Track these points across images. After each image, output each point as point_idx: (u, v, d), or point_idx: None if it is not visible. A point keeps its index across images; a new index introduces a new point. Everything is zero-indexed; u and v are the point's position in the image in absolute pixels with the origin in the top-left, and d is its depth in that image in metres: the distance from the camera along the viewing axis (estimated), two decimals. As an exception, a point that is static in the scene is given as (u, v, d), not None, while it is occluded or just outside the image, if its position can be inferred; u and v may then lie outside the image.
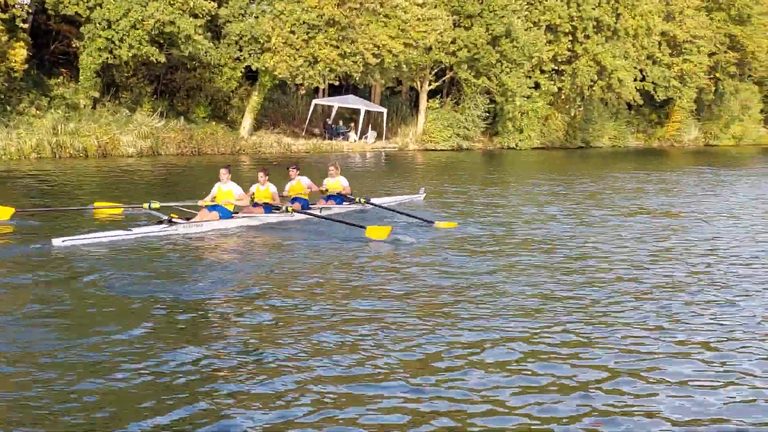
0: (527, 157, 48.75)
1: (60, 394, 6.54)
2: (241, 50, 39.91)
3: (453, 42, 48.51)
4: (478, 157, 47.10)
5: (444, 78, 53.34)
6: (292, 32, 39.35)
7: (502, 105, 53.25)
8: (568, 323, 9.09)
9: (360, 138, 48.22)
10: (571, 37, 57.11)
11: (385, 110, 49.60)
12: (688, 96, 68.74)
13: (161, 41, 34.98)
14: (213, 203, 15.21)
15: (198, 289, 10.31)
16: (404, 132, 51.82)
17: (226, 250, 13.60)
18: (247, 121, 42.23)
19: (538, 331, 8.74)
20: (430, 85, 52.53)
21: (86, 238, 12.83)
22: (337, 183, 18.13)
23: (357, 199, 18.11)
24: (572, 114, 61.18)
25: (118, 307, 9.27)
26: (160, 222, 14.23)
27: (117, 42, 33.60)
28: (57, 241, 12.40)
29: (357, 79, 43.09)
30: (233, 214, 15.41)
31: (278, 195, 16.48)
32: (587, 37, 57.64)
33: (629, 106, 68.88)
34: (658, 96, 66.94)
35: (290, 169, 17.69)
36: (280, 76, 40.17)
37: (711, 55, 70.50)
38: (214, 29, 39.51)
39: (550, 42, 55.77)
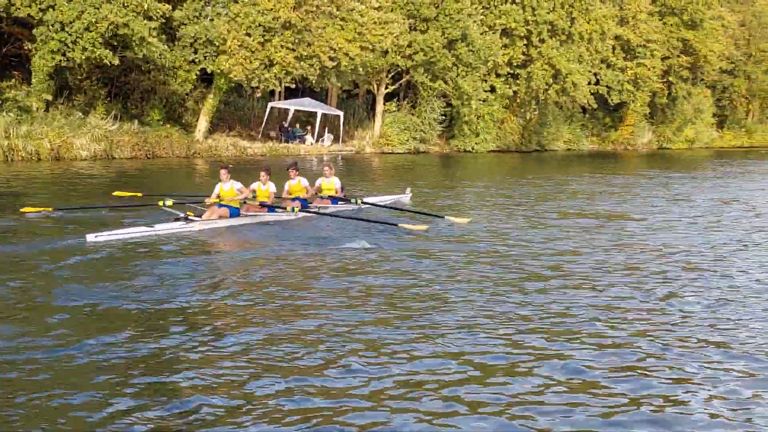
0: (483, 160, 49.00)
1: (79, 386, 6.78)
2: (196, 53, 39.70)
3: (409, 45, 48.70)
4: (434, 160, 47.23)
5: (400, 81, 53.48)
6: (248, 35, 39.24)
7: (459, 108, 53.50)
8: (519, 328, 9.14)
9: (316, 141, 48.17)
10: (526, 41, 57.59)
11: (341, 113, 49.61)
12: (642, 100, 69.71)
13: (115, 43, 34.72)
14: (219, 201, 16.24)
15: (217, 281, 11.24)
16: (361, 135, 51.88)
17: (240, 245, 14.67)
18: (202, 124, 41.99)
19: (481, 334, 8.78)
20: (386, 88, 52.64)
21: (115, 234, 13.95)
22: (331, 184, 18.83)
23: (353, 200, 18.82)
24: (527, 117, 61.65)
25: (148, 297, 9.93)
26: (177, 219, 15.47)
27: (70, 44, 33.28)
28: (90, 237, 13.50)
29: (313, 82, 43.05)
30: (240, 210, 16.54)
31: (278, 195, 17.56)
32: (542, 41, 58.14)
33: (584, 110, 69.59)
34: (612, 100, 67.72)
35: (290, 170, 18.29)
36: (235, 78, 40.04)
37: (664, 59, 71.54)
38: (169, 31, 39.25)
39: (505, 46, 56.18)
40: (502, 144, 59.41)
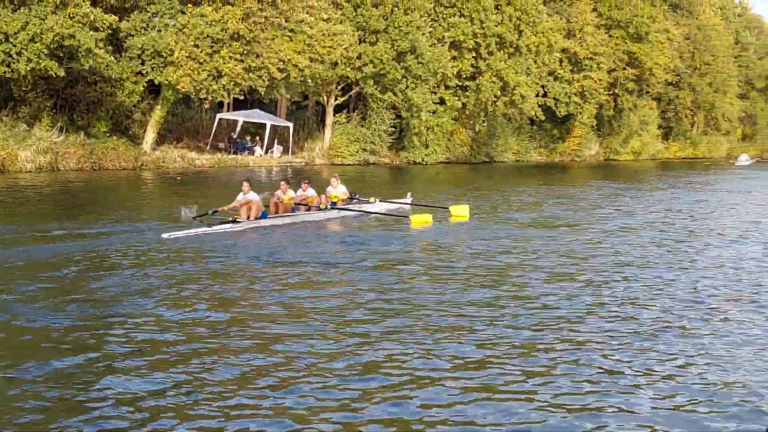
0: (433, 172, 49.19)
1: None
2: (143, 64, 39.41)
3: (359, 57, 48.81)
4: (384, 172, 47.30)
5: (350, 93, 53.53)
6: (196, 46, 39.05)
7: (408, 120, 53.65)
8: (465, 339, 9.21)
9: (266, 152, 48.01)
10: (474, 54, 57.93)
11: (291, 125, 49.50)
12: (589, 112, 70.41)
13: (61, 55, 34.30)
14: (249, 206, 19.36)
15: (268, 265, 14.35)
16: (311, 146, 51.81)
17: (275, 237, 18.06)
18: (150, 136, 41.65)
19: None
20: (336, 99, 52.65)
21: (184, 233, 16.91)
22: (339, 193, 22.32)
23: (371, 200, 23.17)
24: (476, 129, 61.94)
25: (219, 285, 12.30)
26: (224, 222, 18.55)
27: (14, 55, 32.79)
28: (165, 235, 16.50)
29: (262, 93, 42.94)
30: (267, 213, 19.99)
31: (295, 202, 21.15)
32: (490, 53, 58.53)
33: (532, 122, 70.15)
34: (559, 112, 68.26)
35: (303, 183, 21.70)
36: (183, 90, 39.80)
37: (610, 71, 72.37)
38: (116, 42, 38.93)
39: (454, 58, 56.47)
40: (451, 155, 59.70)
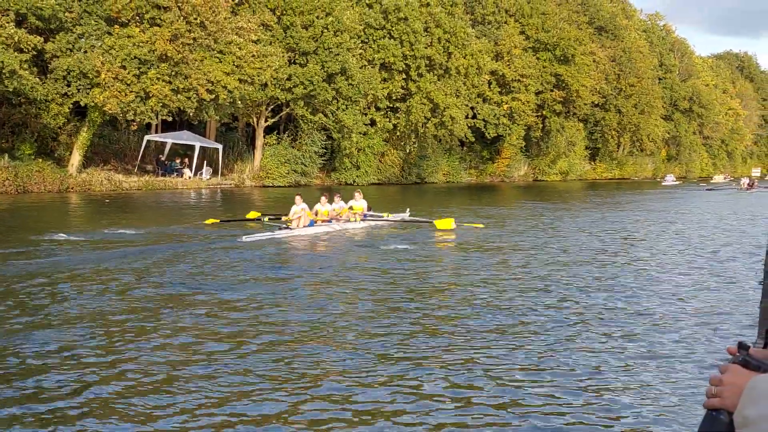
0: (365, 193, 49.09)
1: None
2: (69, 85, 38.78)
3: (289, 78, 48.74)
4: (315, 193, 47.07)
5: (281, 114, 53.42)
6: (123, 67, 38.61)
7: (339, 141, 53.72)
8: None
9: (195, 174, 47.58)
10: (405, 76, 58.32)
11: (220, 146, 49.15)
12: (517, 133, 71.36)
13: (-17, 76, 33.63)
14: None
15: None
16: (241, 168, 51.52)
17: (323, 241, 22.22)
18: (76, 158, 40.98)
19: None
20: (266, 121, 52.49)
21: (256, 237, 20.91)
22: (360, 206, 26.06)
23: (384, 214, 27.31)
24: (407, 150, 62.26)
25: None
26: (281, 228, 22.65)
27: (-65, 76, 32.07)
28: (243, 238, 20.33)
29: (191, 114, 42.59)
30: (314, 222, 23.97)
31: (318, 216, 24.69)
32: (420, 75, 58.97)
33: (462, 143, 70.83)
34: (488, 133, 69.03)
35: (335, 197, 25.63)
36: (110, 111, 39.27)
37: (538, 93, 73.52)
38: (41, 64, 38.28)
39: (384, 80, 56.82)
40: (382, 177, 59.93)
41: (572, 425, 7.20)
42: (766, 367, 1.74)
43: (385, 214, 27.37)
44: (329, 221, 24.50)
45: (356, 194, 26.89)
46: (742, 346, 1.81)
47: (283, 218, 24.01)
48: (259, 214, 26.51)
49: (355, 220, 25.22)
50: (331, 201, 25.33)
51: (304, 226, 23.00)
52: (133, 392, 7.63)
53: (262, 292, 13.08)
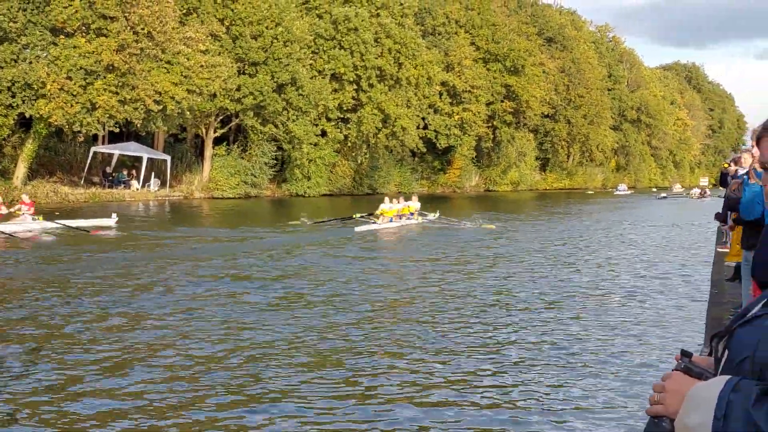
0: (316, 204, 48.89)
1: None
2: (14, 97, 38.04)
3: (238, 89, 48.31)
4: (265, 205, 46.79)
5: (230, 125, 52.98)
6: (69, 78, 38.00)
7: (290, 152, 53.40)
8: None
9: (143, 186, 46.93)
10: (355, 86, 58.15)
11: (168, 157, 48.59)
12: (468, 144, 71.63)
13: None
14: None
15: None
16: (189, 180, 50.94)
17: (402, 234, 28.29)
18: (21, 171, 40.25)
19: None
20: (215, 132, 52.00)
21: (363, 229, 27.96)
22: (410, 207, 33.29)
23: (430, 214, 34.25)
24: (359, 161, 62.08)
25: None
26: (369, 223, 29.96)
27: None
28: (356, 229, 27.67)
29: (138, 125, 42.03)
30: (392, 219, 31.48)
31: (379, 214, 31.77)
32: (371, 85, 58.83)
33: (413, 154, 70.80)
34: (440, 143, 69.20)
35: (399, 197, 33.87)
36: (55, 123, 38.61)
37: (489, 104, 73.88)
38: (-16, 75, 37.53)
39: (335, 90, 56.63)
40: (334, 187, 59.68)
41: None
42: (707, 375, 1.75)
43: (431, 214, 34.05)
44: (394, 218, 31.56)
45: (413, 197, 35.22)
46: (684, 354, 1.84)
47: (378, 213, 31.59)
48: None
49: (416, 219, 32.74)
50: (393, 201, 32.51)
51: (388, 221, 30.61)
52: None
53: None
